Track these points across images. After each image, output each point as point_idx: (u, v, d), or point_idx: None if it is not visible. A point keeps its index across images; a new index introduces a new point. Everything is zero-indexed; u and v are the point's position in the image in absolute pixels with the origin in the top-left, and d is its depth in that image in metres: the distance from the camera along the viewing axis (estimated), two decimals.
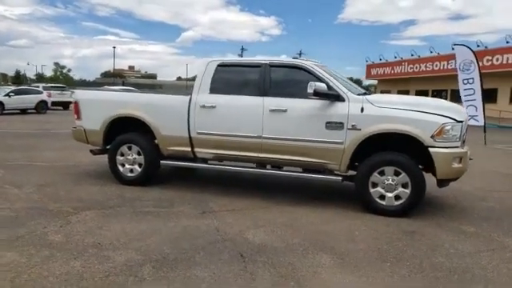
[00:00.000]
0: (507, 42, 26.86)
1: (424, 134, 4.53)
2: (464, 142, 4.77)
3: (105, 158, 6.40)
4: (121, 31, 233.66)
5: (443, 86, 30.75)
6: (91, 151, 6.20)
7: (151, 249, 3.51)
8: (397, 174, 4.69)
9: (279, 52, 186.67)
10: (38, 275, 2.96)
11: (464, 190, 6.01)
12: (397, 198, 4.72)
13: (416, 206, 4.73)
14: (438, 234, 4.24)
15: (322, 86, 4.77)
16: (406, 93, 32.16)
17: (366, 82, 45.27)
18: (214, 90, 5.36)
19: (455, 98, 19.82)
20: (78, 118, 6.00)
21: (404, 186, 4.68)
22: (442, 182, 4.83)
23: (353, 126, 4.74)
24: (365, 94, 5.20)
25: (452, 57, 28.76)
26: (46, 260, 3.20)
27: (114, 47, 61.90)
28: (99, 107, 5.84)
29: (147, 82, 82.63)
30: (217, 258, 3.39)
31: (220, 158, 5.57)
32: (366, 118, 4.70)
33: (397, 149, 4.80)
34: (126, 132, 5.81)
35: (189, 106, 5.39)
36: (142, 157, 5.66)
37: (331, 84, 4.88)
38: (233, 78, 5.42)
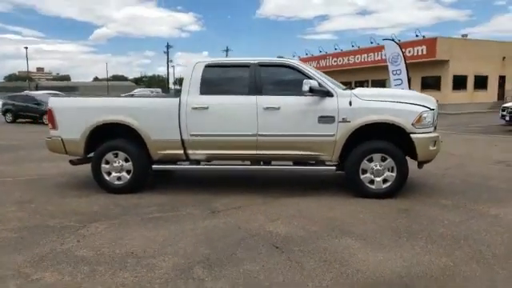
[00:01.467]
0: (416, 36, 29.71)
1: (406, 122, 5.08)
2: (435, 127, 5.41)
3: (72, 168, 6.16)
4: (23, 29, 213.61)
5: (364, 77, 33.08)
6: (71, 161, 5.87)
7: (189, 252, 3.56)
8: (383, 159, 5.19)
9: (201, 48, 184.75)
10: None
11: (425, 170, 6.70)
12: (384, 181, 5.23)
13: (401, 187, 5.27)
14: (426, 209, 4.81)
15: (314, 83, 5.09)
16: None
17: None
18: (204, 91, 5.41)
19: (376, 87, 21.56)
20: (54, 127, 5.64)
21: (390, 170, 5.21)
22: (420, 164, 5.44)
23: (343, 118, 5.13)
24: (346, 89, 5.62)
25: (370, 50, 31.31)
26: (91, 275, 3.11)
27: (26, 47, 55.08)
28: (79, 115, 5.56)
29: (62, 85, 77.07)
30: (256, 252, 3.55)
31: (215, 158, 5.64)
32: (355, 110, 5.13)
33: (378, 137, 5.30)
34: (107, 139, 5.62)
35: (179, 109, 5.38)
36: (130, 163, 5.53)
37: (320, 81, 5.23)
38: (222, 79, 5.52)
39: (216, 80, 5.49)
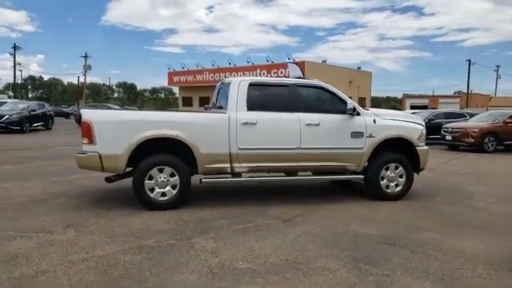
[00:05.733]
0: (288, 59, 33.18)
1: (414, 138, 6.31)
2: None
3: (49, 187, 5.85)
4: None
5: None
6: (107, 179, 5.31)
7: (330, 254, 3.91)
8: (396, 168, 6.30)
9: (36, 51, 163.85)
10: None
11: None
12: (396, 186, 6.34)
13: (409, 190, 6.44)
14: (438, 207, 6.00)
15: (352, 103, 5.91)
16: (207, 99, 35.16)
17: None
18: (250, 107, 5.67)
19: None
20: (90, 142, 5.07)
21: (400, 176, 6.34)
22: (419, 171, 6.70)
23: (370, 134, 6.06)
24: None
25: (245, 69, 33.66)
26: (289, 282, 3.26)
27: None
28: (123, 128, 5.15)
29: None
30: (381, 250, 4.12)
31: (257, 171, 5.88)
32: (378, 127, 6.12)
33: (386, 149, 6.39)
34: (147, 154, 5.33)
35: (228, 123, 5.51)
36: (176, 178, 5.35)
37: (350, 102, 6.06)
38: (265, 96, 5.88)
39: (259, 97, 5.81)
